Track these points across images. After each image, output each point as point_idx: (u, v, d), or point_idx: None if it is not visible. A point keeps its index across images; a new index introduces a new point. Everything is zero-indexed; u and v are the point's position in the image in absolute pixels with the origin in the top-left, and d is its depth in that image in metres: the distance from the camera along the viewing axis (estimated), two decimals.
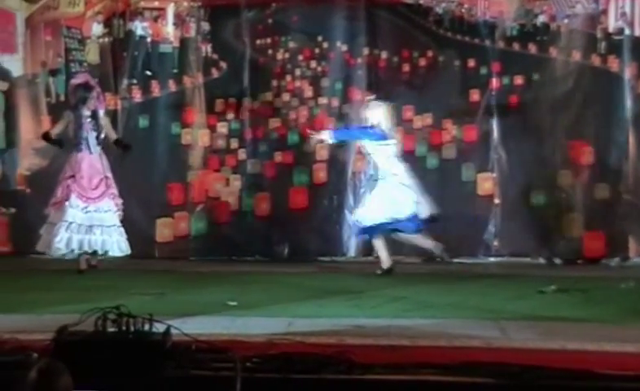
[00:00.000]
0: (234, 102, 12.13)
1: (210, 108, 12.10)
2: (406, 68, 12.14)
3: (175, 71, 12.22)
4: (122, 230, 10.38)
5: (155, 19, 12.24)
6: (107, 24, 12.24)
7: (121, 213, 10.45)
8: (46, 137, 10.75)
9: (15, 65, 12.31)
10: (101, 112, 10.54)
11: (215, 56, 12.20)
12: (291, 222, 11.88)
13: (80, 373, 4.29)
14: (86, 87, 10.46)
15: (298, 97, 12.22)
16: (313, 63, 12.19)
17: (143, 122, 12.15)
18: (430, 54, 12.12)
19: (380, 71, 12.06)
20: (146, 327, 5.31)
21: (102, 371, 5.02)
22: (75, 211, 10.18)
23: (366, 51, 12.00)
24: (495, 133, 11.80)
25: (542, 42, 11.97)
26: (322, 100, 12.10)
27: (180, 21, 12.21)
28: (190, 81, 12.13)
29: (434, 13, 12.14)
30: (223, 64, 12.21)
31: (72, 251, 10.25)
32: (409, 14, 12.09)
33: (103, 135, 10.43)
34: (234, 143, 12.14)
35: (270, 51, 12.23)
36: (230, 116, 12.16)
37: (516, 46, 12.03)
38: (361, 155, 11.83)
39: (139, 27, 12.17)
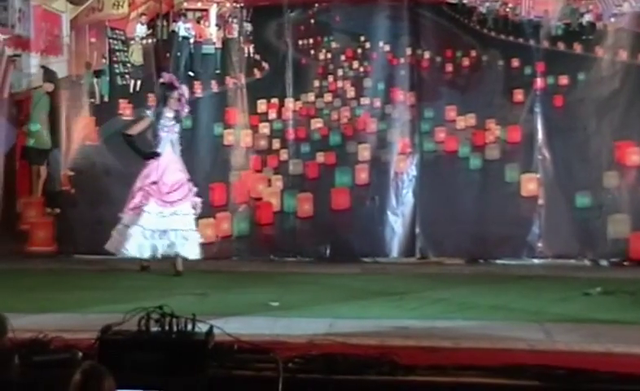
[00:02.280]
0: (276, 102, 12.13)
1: (252, 109, 12.11)
2: (449, 68, 12.07)
3: (218, 71, 12.24)
4: (197, 234, 10.26)
5: (198, 21, 12.28)
6: (151, 25, 12.29)
7: (199, 212, 10.35)
8: (127, 139, 10.38)
9: (60, 67, 12.40)
10: (184, 114, 10.40)
11: (257, 57, 12.21)
12: (333, 223, 11.86)
13: (123, 372, 4.31)
14: (169, 87, 10.26)
15: (340, 97, 12.18)
16: (356, 64, 12.16)
17: (186, 123, 12.13)
18: (473, 54, 12.04)
19: (423, 71, 12.00)
20: (189, 326, 5.33)
21: (144, 371, 5.04)
22: (151, 216, 9.98)
23: (408, 51, 11.94)
24: (539, 134, 11.70)
25: (588, 42, 11.84)
26: (365, 100, 12.06)
27: (223, 22, 12.23)
28: (232, 81, 12.15)
29: (478, 12, 12.05)
30: (265, 65, 12.21)
31: (142, 257, 10.13)
32: (453, 13, 12.02)
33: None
34: (276, 144, 12.14)
35: (313, 52, 12.22)
36: (272, 116, 12.17)
37: (561, 46, 11.91)
38: (403, 155, 11.81)
39: (182, 28, 12.21)
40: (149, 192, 9.98)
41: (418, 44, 11.97)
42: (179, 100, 10.20)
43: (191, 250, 10.13)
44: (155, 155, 10.08)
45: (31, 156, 12.34)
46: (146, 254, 10.05)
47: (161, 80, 10.52)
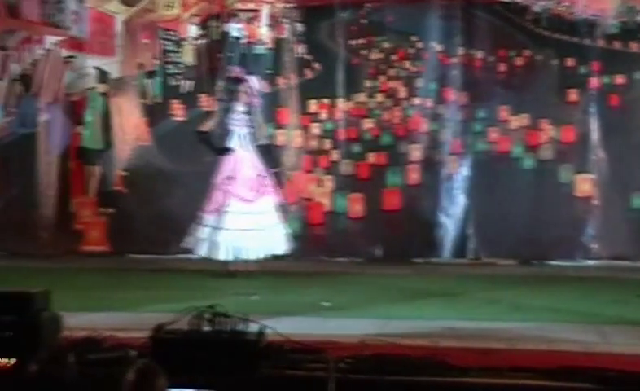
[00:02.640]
0: (327, 102, 12.13)
1: (304, 109, 12.12)
2: (502, 67, 11.98)
3: (269, 72, 12.26)
4: (282, 227, 10.19)
5: (250, 21, 12.31)
6: (203, 25, 12.35)
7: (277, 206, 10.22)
8: (201, 135, 10.33)
9: (113, 67, 12.51)
10: (255, 107, 10.21)
11: (309, 57, 12.22)
12: (384, 223, 11.82)
13: (175, 371, 4.33)
14: (236, 80, 10.22)
15: (392, 97, 12.16)
16: (407, 64, 12.12)
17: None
18: (527, 53, 11.95)
19: (476, 71, 11.93)
20: (241, 326, 5.34)
21: (197, 369, 5.06)
22: (233, 216, 9.85)
23: (461, 51, 11.87)
24: (594, 134, 11.56)
25: None
26: (416, 101, 12.01)
27: (274, 22, 12.25)
28: (284, 81, 12.17)
29: (532, 11, 11.95)
30: (317, 65, 12.22)
31: (226, 259, 10.00)
32: (506, 13, 11.93)
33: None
34: (328, 144, 12.14)
35: (364, 52, 12.19)
36: (324, 116, 12.17)
37: (617, 45, 11.77)
38: (455, 156, 11.74)
39: (234, 28, 12.25)
40: (228, 190, 9.89)
41: (470, 43, 11.89)
42: (248, 93, 10.09)
43: (278, 245, 10.09)
44: (228, 150, 9.99)
45: (85, 156, 12.46)
46: (232, 255, 9.95)
47: (229, 74, 10.54)
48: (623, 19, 11.80)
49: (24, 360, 4.99)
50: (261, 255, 10.05)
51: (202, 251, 10.07)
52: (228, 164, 9.98)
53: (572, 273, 10.65)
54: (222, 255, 9.93)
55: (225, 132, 10.13)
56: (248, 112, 10.07)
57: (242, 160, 9.98)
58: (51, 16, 12.53)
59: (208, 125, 10.31)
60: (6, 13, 12.60)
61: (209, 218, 9.98)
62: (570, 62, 11.79)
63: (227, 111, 10.10)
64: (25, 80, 12.55)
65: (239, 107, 10.03)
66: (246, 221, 9.83)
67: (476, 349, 6.05)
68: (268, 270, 10.68)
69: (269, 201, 10.03)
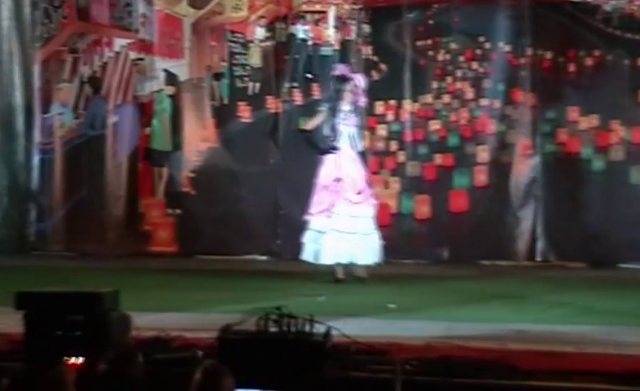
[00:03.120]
0: (394, 104, 12.09)
1: (370, 110, 12.09)
2: (572, 67, 11.82)
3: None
4: (377, 236, 9.72)
5: (317, 23, 12.33)
6: (270, 27, 12.40)
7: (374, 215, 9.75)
8: (304, 134, 10.13)
9: (181, 70, 12.62)
10: (361, 105, 9.84)
11: (375, 58, 12.19)
12: (451, 225, 11.75)
13: (242, 371, 4.34)
14: (343, 79, 9.78)
15: (459, 98, 12.08)
16: (475, 64, 12.02)
17: (303, 124, 12.24)
18: (597, 53, 11.77)
19: (544, 71, 11.79)
20: (307, 327, 5.35)
21: (263, 370, 5.08)
22: (341, 218, 9.43)
23: (529, 52, 11.74)
24: None
25: None
26: (484, 102, 11.92)
27: (341, 24, 12.25)
28: None
29: (602, 11, 11.77)
30: (383, 66, 12.18)
31: (339, 263, 9.56)
32: (576, 12, 11.76)
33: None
34: (394, 146, 12.10)
35: (431, 53, 12.13)
36: (390, 118, 12.13)
37: None
38: (524, 157, 11.63)
39: (301, 30, 12.28)
40: (337, 191, 9.47)
41: (539, 44, 11.76)
42: (354, 91, 9.71)
43: (373, 254, 9.64)
44: (333, 149, 9.62)
45: (153, 158, 12.60)
46: (343, 260, 9.55)
47: (334, 72, 10.13)
48: None
49: (92, 359, 5.05)
50: (368, 261, 9.65)
51: (307, 255, 9.65)
52: (333, 166, 9.58)
53: None
54: (329, 260, 9.53)
55: (330, 131, 9.72)
56: (354, 111, 9.73)
57: (348, 161, 9.61)
58: (120, 19, 12.71)
59: (312, 124, 10.01)
60: (76, 16, 12.81)
61: (315, 221, 9.61)
62: None
63: (333, 110, 9.71)
64: (95, 82, 12.74)
65: (345, 106, 9.66)
66: (351, 224, 9.46)
67: (544, 352, 5.98)
68: (332, 271, 10.68)
69: (370, 206, 9.68)
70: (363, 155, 10.06)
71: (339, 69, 10.07)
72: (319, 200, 9.56)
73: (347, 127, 9.66)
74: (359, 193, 9.52)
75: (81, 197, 12.58)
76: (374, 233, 9.63)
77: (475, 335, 6.59)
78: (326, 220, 9.46)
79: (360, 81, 9.91)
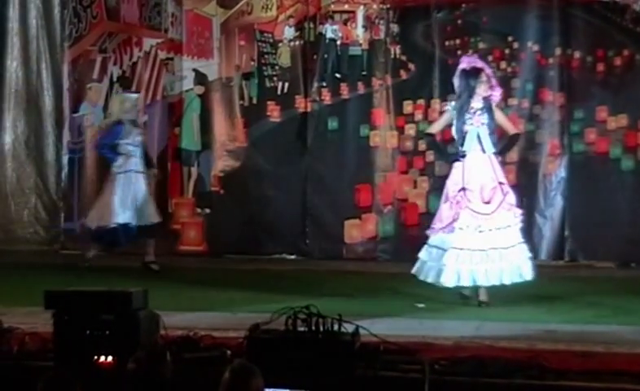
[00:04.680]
0: (422, 103, 12.07)
1: (398, 110, 12.08)
2: (601, 67, 11.74)
3: (364, 73, 12.25)
4: (525, 247, 8.44)
5: (345, 22, 12.33)
6: (299, 27, 12.40)
7: (521, 224, 8.52)
8: (429, 139, 9.06)
9: (210, 70, 12.65)
10: (494, 101, 8.49)
11: (404, 58, 12.17)
12: None
13: (270, 371, 4.37)
14: (472, 72, 8.44)
15: None
16: (504, 64, 11.95)
17: (332, 124, 12.25)
18: (626, 53, 11.68)
19: (573, 71, 11.73)
20: (336, 327, 5.36)
21: (292, 370, 5.10)
22: (466, 233, 8.16)
23: (558, 51, 11.67)
24: None
25: None
26: (513, 101, 11.85)
27: (369, 23, 12.24)
28: (378, 82, 12.15)
29: (631, 11, 11.68)
30: (412, 66, 12.16)
31: (460, 286, 8.28)
32: (605, 12, 11.69)
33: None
34: (422, 145, 12.07)
35: (460, 52, 12.05)
36: (419, 117, 12.10)
37: None
38: (552, 157, 11.59)
39: (329, 30, 12.28)
40: (459, 203, 8.21)
41: (568, 44, 11.70)
42: (486, 86, 8.39)
43: (519, 272, 8.27)
44: (461, 155, 8.37)
45: (182, 157, 12.64)
46: (466, 282, 8.22)
47: (461, 66, 8.60)
48: None
49: (122, 359, 5.09)
50: (505, 281, 8.23)
51: (427, 276, 8.41)
52: (459, 172, 8.36)
53: None
54: (451, 281, 8.22)
55: (457, 134, 8.53)
56: (485, 108, 8.40)
57: (476, 167, 8.31)
58: (150, 19, 12.77)
59: (437, 127, 8.94)
60: (105, 16, 12.88)
61: (435, 238, 8.45)
62: None
63: (462, 109, 8.41)
64: (124, 82, 12.80)
65: (476, 103, 8.35)
66: (481, 239, 8.17)
67: (574, 351, 5.98)
68: (362, 271, 10.70)
69: (508, 215, 8.31)
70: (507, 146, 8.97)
71: (466, 62, 8.67)
72: (441, 214, 8.43)
73: (475, 127, 8.35)
74: (487, 203, 8.22)
75: None
76: (517, 246, 8.33)
77: (505, 334, 6.60)
78: (448, 236, 8.26)
79: (489, 71, 8.63)
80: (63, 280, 8.70)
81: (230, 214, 12.20)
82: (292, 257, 12.03)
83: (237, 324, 6.09)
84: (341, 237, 12.02)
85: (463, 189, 8.20)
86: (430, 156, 11.92)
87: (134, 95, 11.58)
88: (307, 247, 12.09)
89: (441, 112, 9.61)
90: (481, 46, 11.94)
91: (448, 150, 8.97)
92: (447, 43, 12.02)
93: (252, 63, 12.52)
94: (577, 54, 11.71)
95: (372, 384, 5.27)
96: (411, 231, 11.96)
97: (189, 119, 12.63)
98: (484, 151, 8.32)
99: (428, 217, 11.79)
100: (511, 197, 8.31)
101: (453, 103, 8.53)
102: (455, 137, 8.53)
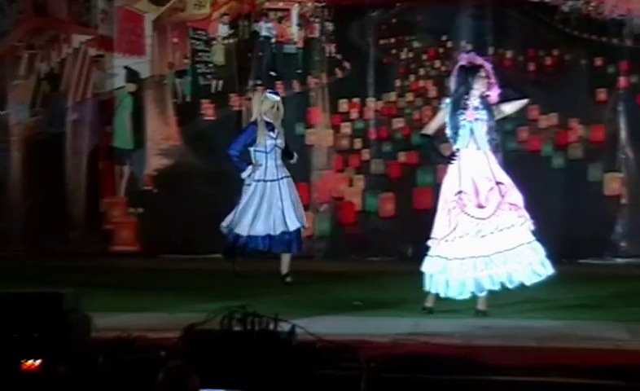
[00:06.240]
0: (357, 102, 12.12)
1: (334, 108, 12.11)
2: (532, 67, 11.93)
3: (299, 71, 12.27)
4: (536, 245, 7.85)
5: (280, 20, 12.32)
6: (233, 25, 12.37)
7: (530, 225, 7.89)
8: (425, 139, 8.36)
9: (142, 67, 12.55)
10: (492, 98, 7.92)
11: (339, 56, 12.21)
12: (415, 222, 11.75)
13: (206, 371, 4.33)
14: (471, 69, 7.92)
15: (422, 97, 12.12)
16: (438, 63, 12.07)
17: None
18: (556, 53, 11.89)
19: (505, 70, 11.85)
20: (272, 326, 5.33)
21: (227, 370, 5.06)
22: (467, 241, 7.68)
23: (491, 50, 11.80)
24: (623, 133, 11.53)
25: None
26: (446, 100, 11.94)
27: (304, 22, 12.26)
28: (314, 81, 12.16)
29: (560, 11, 11.88)
30: (347, 64, 12.20)
31: (472, 294, 7.76)
32: (536, 12, 11.87)
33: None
34: (358, 143, 12.13)
35: (394, 51, 12.16)
36: (354, 116, 12.16)
37: None
38: None
39: (264, 28, 12.26)
40: (456, 208, 7.74)
41: (500, 43, 11.84)
42: (484, 82, 7.87)
43: (532, 270, 7.80)
44: (453, 155, 7.89)
45: (114, 156, 12.52)
46: (468, 292, 7.76)
47: (460, 63, 8.06)
48: None
49: (51, 361, 5.00)
50: (514, 283, 7.77)
51: (432, 287, 7.87)
52: (454, 174, 7.86)
53: (601, 271, 10.61)
54: (457, 293, 7.75)
55: (452, 133, 7.98)
56: (483, 106, 7.90)
57: (471, 167, 7.83)
58: (79, 15, 12.61)
59: (433, 126, 8.25)
60: (33, 11, 12.68)
61: (437, 247, 7.88)
62: (598, 61, 11.75)
63: (456, 104, 7.92)
64: (53, 79, 12.63)
65: (474, 101, 7.86)
66: (484, 244, 7.67)
67: (508, 347, 6.04)
68: (298, 270, 10.67)
69: (510, 215, 7.79)
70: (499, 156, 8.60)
71: (465, 58, 8.11)
72: (441, 221, 7.89)
73: (468, 121, 7.86)
74: (481, 207, 7.73)
75: (41, 196, 12.46)
76: (524, 245, 7.80)
77: (441, 331, 6.64)
78: (449, 245, 7.76)
79: (489, 68, 8.00)
80: None
81: (164, 213, 12.11)
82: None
83: (172, 325, 6.02)
84: None
85: (459, 193, 7.74)
86: (366, 155, 11.97)
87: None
88: None
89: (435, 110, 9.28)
90: (416, 45, 12.05)
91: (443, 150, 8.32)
92: (382, 42, 12.09)
93: (186, 60, 12.45)
94: (509, 54, 11.87)
95: (309, 383, 5.25)
96: (347, 230, 12.01)
97: (121, 117, 12.51)
98: (478, 147, 7.86)
99: (364, 215, 11.90)
100: (512, 196, 7.85)
101: (448, 99, 8.08)
102: (449, 133, 8.01)
